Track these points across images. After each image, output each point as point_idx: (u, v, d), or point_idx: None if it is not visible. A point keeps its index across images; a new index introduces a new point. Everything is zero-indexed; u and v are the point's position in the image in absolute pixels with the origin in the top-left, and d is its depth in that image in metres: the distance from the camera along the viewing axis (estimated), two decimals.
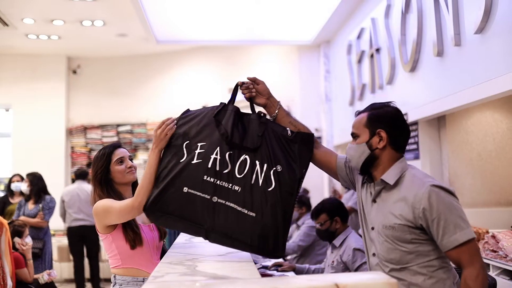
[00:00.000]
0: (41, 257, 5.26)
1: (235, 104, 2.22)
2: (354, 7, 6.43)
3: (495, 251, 3.49)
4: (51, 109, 9.16)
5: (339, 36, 7.28)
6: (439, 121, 4.68)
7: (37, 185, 5.47)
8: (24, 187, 5.69)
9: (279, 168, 1.96)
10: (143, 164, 9.20)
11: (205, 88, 9.38)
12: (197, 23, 7.25)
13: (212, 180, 1.94)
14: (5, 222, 3.77)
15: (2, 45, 8.61)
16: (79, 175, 6.64)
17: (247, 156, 1.98)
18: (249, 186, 1.93)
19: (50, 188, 5.75)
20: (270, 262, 3.89)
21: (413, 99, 4.66)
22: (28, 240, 4.41)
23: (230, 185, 1.94)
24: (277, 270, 3.57)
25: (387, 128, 1.97)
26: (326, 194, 7.27)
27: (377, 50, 5.52)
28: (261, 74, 9.01)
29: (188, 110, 2.13)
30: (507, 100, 4.46)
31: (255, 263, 2.33)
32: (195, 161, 1.96)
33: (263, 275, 3.19)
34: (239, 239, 1.90)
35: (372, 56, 5.65)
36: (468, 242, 1.82)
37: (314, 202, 4.83)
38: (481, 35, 3.42)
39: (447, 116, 4.57)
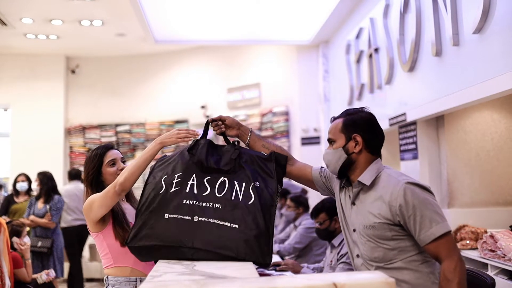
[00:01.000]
0: (51, 255, 5.43)
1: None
2: (352, 7, 6.43)
3: (493, 251, 3.49)
4: (49, 108, 9.16)
5: (337, 36, 7.28)
6: (438, 121, 4.68)
7: (47, 184, 5.61)
8: (25, 186, 5.76)
9: (257, 183, 2.04)
10: None
11: (204, 88, 9.39)
12: (195, 23, 7.24)
13: (191, 202, 2.00)
14: (3, 221, 3.76)
15: (1, 45, 8.61)
16: (74, 176, 6.69)
17: (225, 178, 2.06)
18: (230, 203, 1.99)
19: None
20: None
21: (412, 99, 4.66)
22: (27, 240, 4.41)
23: (211, 204, 1.99)
24: (276, 270, 3.57)
25: (362, 132, 2.06)
26: None
27: (376, 50, 5.52)
28: (260, 74, 9.05)
29: (164, 156, 2.19)
30: (505, 100, 4.47)
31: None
32: (173, 189, 2.03)
33: (261, 274, 3.19)
34: (223, 253, 1.90)
35: (370, 56, 5.66)
36: (445, 235, 1.88)
37: (312, 202, 4.83)
38: (480, 35, 3.42)
39: (446, 116, 4.57)
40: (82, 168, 2.46)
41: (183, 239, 1.93)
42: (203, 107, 9.17)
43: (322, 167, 2.32)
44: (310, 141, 7.86)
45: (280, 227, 5.68)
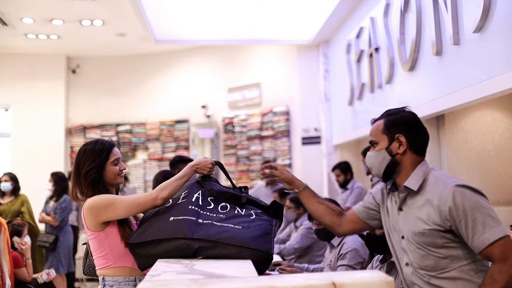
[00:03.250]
0: (55, 251, 5.67)
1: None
2: (353, 6, 6.43)
3: None
4: (50, 108, 9.17)
5: (338, 35, 7.28)
6: (438, 120, 4.67)
7: (60, 184, 5.85)
8: (8, 186, 5.67)
9: (257, 211, 2.16)
10: (142, 164, 9.21)
11: (204, 88, 9.39)
12: (196, 22, 7.24)
13: (196, 208, 2.10)
14: (4, 221, 3.76)
15: (1, 45, 8.61)
16: None
17: (227, 204, 2.16)
18: (233, 215, 2.09)
19: None
20: None
21: (412, 98, 4.66)
22: (27, 239, 4.41)
23: (214, 214, 2.09)
24: (275, 270, 3.57)
25: (406, 132, 1.99)
26: (325, 194, 7.26)
27: (376, 49, 5.51)
28: (260, 74, 9.03)
29: None
30: (506, 99, 4.46)
31: None
32: (179, 201, 2.16)
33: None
34: (226, 242, 1.94)
35: (371, 55, 5.65)
36: (500, 240, 1.76)
37: None
38: (480, 34, 3.41)
39: (446, 115, 4.57)
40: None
41: (186, 231, 1.97)
42: (203, 107, 9.17)
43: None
44: (310, 141, 7.85)
45: (281, 226, 5.68)
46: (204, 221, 2.04)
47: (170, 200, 2.17)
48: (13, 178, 5.79)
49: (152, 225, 2.06)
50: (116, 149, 2.34)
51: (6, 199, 5.77)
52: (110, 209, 2.15)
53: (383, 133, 2.02)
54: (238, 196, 2.21)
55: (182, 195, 2.18)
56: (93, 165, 2.24)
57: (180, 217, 2.04)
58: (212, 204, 2.15)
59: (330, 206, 2.25)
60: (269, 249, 1.96)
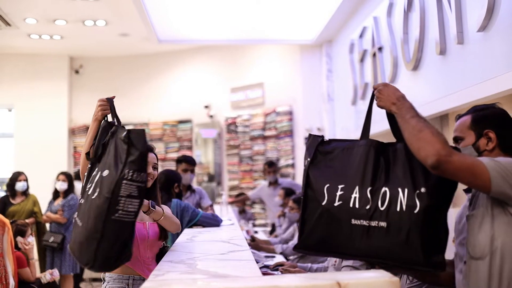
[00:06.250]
0: (62, 251, 5.67)
1: None
2: (356, 6, 6.42)
3: None
4: (53, 109, 9.18)
5: (341, 35, 7.27)
6: (442, 120, 4.66)
7: (71, 184, 5.96)
8: (26, 186, 5.73)
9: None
10: None
11: (207, 87, 9.39)
12: (199, 22, 7.24)
13: None
14: (7, 221, 3.77)
15: (5, 45, 8.63)
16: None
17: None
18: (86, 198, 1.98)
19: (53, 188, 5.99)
20: (272, 261, 3.88)
21: (416, 97, 4.63)
22: (31, 239, 4.42)
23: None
24: (279, 270, 3.56)
25: (496, 128, 1.85)
26: None
27: (380, 49, 5.50)
28: (263, 74, 9.02)
29: None
30: (510, 98, 4.44)
31: (257, 263, 2.32)
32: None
33: (265, 274, 3.18)
34: None
35: (374, 55, 5.64)
36: None
37: None
38: (484, 33, 3.40)
39: (450, 114, 4.55)
40: None
41: None
42: (206, 107, 9.17)
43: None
44: None
45: (284, 226, 5.67)
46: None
47: None
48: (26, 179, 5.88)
49: None
50: (149, 154, 2.44)
51: (18, 199, 5.78)
52: None
53: (469, 128, 1.91)
54: None
55: None
56: None
57: None
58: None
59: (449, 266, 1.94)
60: None
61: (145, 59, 9.58)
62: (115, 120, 2.20)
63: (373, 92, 1.93)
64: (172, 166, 7.41)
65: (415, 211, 1.66)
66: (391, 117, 1.90)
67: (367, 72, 6.01)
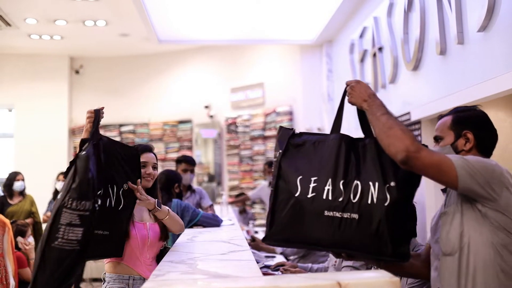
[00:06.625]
0: None
1: None
2: (356, 6, 6.42)
3: None
4: (53, 109, 9.18)
5: (341, 35, 7.27)
6: None
7: None
8: (24, 186, 5.68)
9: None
10: None
11: (207, 88, 9.39)
12: (199, 22, 7.24)
13: None
14: (8, 221, 3.77)
15: (5, 45, 8.63)
16: None
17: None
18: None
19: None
20: (272, 261, 3.88)
21: (416, 98, 4.64)
22: (31, 239, 4.42)
23: None
24: (279, 270, 3.56)
25: (474, 129, 1.93)
26: None
27: (380, 49, 5.50)
28: (263, 74, 9.01)
29: None
30: (510, 98, 4.44)
31: (257, 263, 2.32)
32: None
33: (265, 274, 3.18)
34: None
35: (374, 55, 5.64)
36: None
37: None
38: (485, 33, 3.40)
39: None
40: None
41: None
42: (206, 107, 9.17)
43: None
44: None
45: None
46: None
47: None
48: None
49: None
50: (148, 154, 2.49)
51: (15, 200, 5.70)
52: None
53: (450, 128, 1.99)
54: None
55: None
56: None
57: None
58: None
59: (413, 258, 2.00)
60: None
61: (145, 59, 9.58)
62: (93, 133, 2.16)
63: (346, 88, 2.00)
64: (172, 166, 7.41)
65: (386, 204, 1.71)
66: (361, 114, 1.98)
67: (368, 72, 6.01)
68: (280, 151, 1.91)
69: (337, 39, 7.51)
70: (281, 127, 2.01)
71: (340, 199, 1.75)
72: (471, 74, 3.64)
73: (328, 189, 1.78)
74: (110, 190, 2.08)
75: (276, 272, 3.50)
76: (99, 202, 1.97)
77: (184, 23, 7.29)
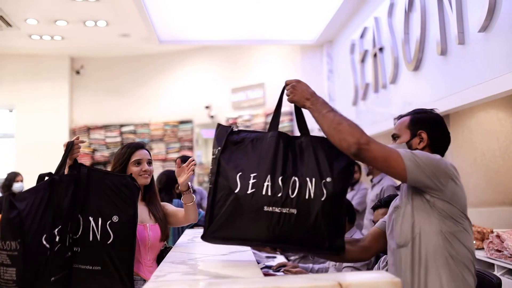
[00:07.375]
0: None
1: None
2: (357, 6, 6.42)
3: (499, 251, 3.47)
4: (54, 109, 9.19)
5: (342, 35, 7.26)
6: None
7: None
8: (23, 187, 5.58)
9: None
10: None
11: (208, 88, 9.39)
12: (199, 23, 7.24)
13: None
14: None
15: (5, 46, 8.64)
16: None
17: None
18: None
19: None
20: (273, 262, 3.87)
21: (417, 98, 4.64)
22: None
23: None
24: (280, 271, 3.55)
25: (429, 130, 2.04)
26: None
27: (380, 49, 5.50)
28: (264, 74, 8.99)
29: None
30: (511, 99, 4.44)
31: (258, 263, 2.32)
32: None
33: (266, 275, 3.18)
34: None
35: (375, 55, 5.64)
36: None
37: None
38: (485, 33, 3.40)
39: (451, 115, 4.55)
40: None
41: None
42: (207, 107, 9.17)
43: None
44: None
45: None
46: None
47: None
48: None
49: None
50: (140, 151, 2.45)
51: None
52: None
53: (407, 128, 2.08)
54: None
55: None
56: (116, 165, 2.42)
57: None
58: None
59: (351, 244, 2.13)
60: None
61: (146, 60, 9.58)
62: (60, 167, 2.18)
63: (284, 87, 2.05)
64: (172, 166, 7.40)
65: (322, 199, 1.76)
66: (298, 112, 2.04)
67: (368, 73, 6.01)
68: (219, 148, 1.91)
69: (337, 39, 7.51)
70: (219, 125, 2.03)
71: (279, 195, 1.78)
72: (471, 75, 3.64)
73: (268, 185, 1.81)
74: (93, 222, 2.04)
75: (277, 273, 3.50)
76: (57, 239, 1.89)
77: (184, 23, 7.29)
